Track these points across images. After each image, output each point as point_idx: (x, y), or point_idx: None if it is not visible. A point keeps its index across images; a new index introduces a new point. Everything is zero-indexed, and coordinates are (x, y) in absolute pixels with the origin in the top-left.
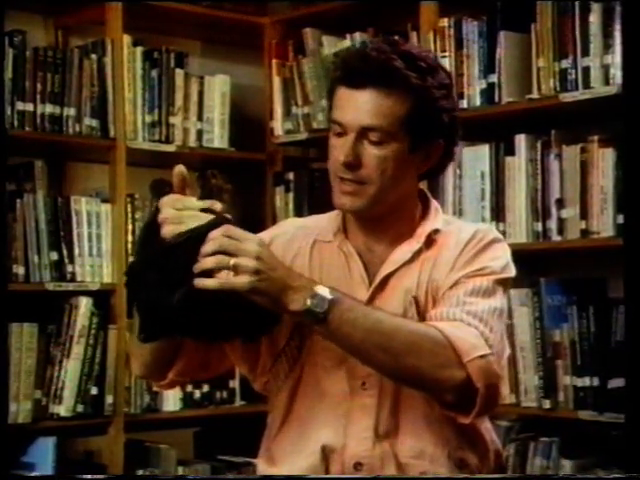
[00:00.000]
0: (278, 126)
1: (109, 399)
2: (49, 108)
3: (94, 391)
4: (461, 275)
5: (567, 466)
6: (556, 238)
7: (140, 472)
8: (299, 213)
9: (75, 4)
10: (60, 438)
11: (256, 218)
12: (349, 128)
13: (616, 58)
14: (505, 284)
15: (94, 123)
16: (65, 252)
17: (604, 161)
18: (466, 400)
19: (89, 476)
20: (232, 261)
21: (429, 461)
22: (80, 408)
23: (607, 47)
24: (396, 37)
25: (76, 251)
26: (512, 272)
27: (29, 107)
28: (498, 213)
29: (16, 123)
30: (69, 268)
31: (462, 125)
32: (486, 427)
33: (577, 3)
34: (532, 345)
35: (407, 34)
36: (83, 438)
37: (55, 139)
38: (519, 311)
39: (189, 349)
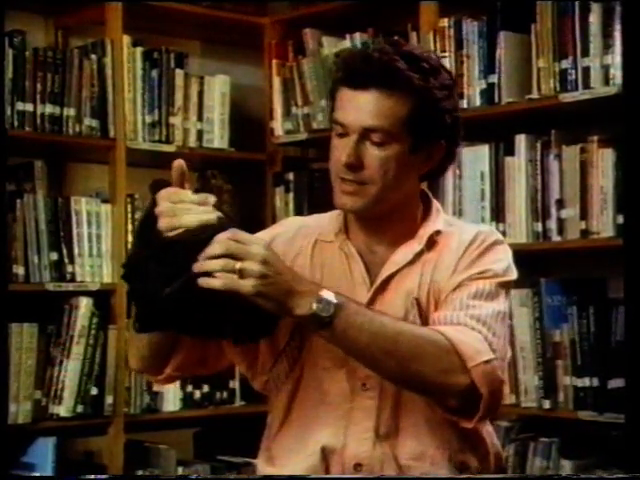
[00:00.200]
0: (278, 126)
1: (109, 399)
2: (49, 108)
3: (94, 391)
4: (463, 278)
5: (567, 466)
6: (556, 238)
7: (140, 472)
8: (299, 213)
9: (75, 4)
10: (60, 438)
11: (256, 218)
12: (351, 129)
13: (616, 58)
14: (507, 287)
15: (94, 123)
16: (65, 252)
17: (604, 161)
18: (469, 405)
19: (89, 476)
20: (238, 265)
21: (429, 463)
22: (80, 408)
23: (607, 47)
24: (397, 38)
25: (76, 251)
26: (514, 275)
27: (29, 107)
28: (498, 213)
29: (16, 123)
30: (69, 268)
31: (463, 125)
32: (487, 430)
33: (577, 3)
34: (532, 345)
35: (407, 34)
36: (83, 438)
37: (55, 139)
38: (519, 311)
39: (186, 345)
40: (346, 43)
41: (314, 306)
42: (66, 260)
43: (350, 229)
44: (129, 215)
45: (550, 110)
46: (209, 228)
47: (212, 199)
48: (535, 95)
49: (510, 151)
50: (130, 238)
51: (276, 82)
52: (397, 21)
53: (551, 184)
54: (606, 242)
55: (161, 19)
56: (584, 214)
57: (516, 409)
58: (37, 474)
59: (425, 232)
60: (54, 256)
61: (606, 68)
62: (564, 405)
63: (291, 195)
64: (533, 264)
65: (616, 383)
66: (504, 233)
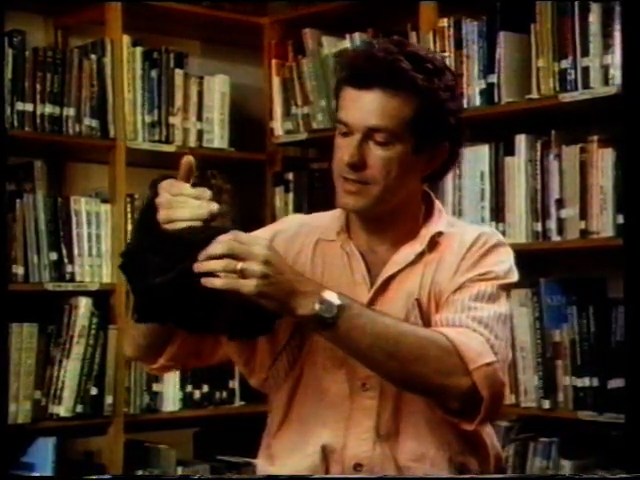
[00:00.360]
0: (278, 126)
1: (109, 399)
2: (49, 108)
3: (94, 391)
4: (465, 279)
5: (567, 466)
6: (556, 238)
7: (140, 472)
8: (299, 213)
9: (75, 4)
10: (60, 438)
11: (256, 218)
12: (354, 128)
13: (616, 58)
14: (508, 289)
15: (94, 123)
16: (65, 252)
17: (604, 161)
18: (470, 407)
19: (89, 477)
20: (239, 265)
21: (429, 465)
22: (80, 408)
23: (607, 47)
24: (402, 38)
25: (76, 251)
26: (515, 277)
27: (29, 107)
28: (498, 213)
29: (16, 123)
30: (69, 268)
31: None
32: (487, 432)
33: (577, 3)
34: (532, 345)
35: (407, 34)
36: (83, 438)
37: (55, 139)
38: (519, 311)
39: (181, 336)
40: (346, 43)
41: (317, 307)
42: (66, 260)
43: (352, 228)
44: (129, 215)
45: (550, 110)
46: (209, 229)
47: (208, 193)
48: (535, 95)
49: (510, 151)
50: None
51: (276, 82)
52: (397, 21)
53: (551, 184)
54: (606, 242)
55: (161, 19)
56: (584, 214)
57: (516, 409)
58: (37, 474)
59: (427, 233)
60: (54, 256)
61: (606, 68)
62: (564, 405)
63: (291, 195)
64: (533, 264)
65: (616, 383)
66: (504, 233)
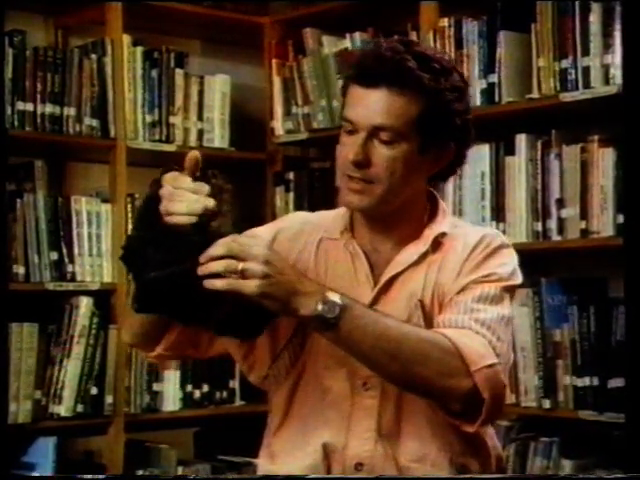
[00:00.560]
0: (278, 126)
1: (109, 399)
2: (49, 108)
3: (94, 391)
4: (468, 281)
5: (567, 466)
6: (556, 238)
7: (140, 472)
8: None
9: (75, 4)
10: (60, 438)
11: (256, 218)
12: (360, 126)
13: (616, 58)
14: (512, 291)
15: (94, 123)
16: (65, 252)
17: (604, 161)
18: (472, 409)
19: (89, 476)
20: (240, 265)
21: (430, 466)
22: (80, 408)
23: (607, 47)
24: (410, 38)
25: (76, 251)
26: (519, 279)
27: (29, 107)
28: (498, 213)
29: (16, 123)
30: (69, 268)
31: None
32: (488, 433)
33: (577, 3)
34: (532, 345)
35: (407, 34)
36: (83, 438)
37: (55, 139)
38: (519, 311)
39: (179, 327)
40: (346, 43)
41: (319, 307)
42: (66, 260)
43: (356, 228)
44: (129, 215)
45: (550, 110)
46: (210, 231)
47: (206, 188)
48: (535, 95)
49: (510, 151)
50: None
51: (276, 82)
52: (397, 21)
53: (551, 184)
54: (606, 242)
55: (161, 19)
56: (584, 214)
57: (516, 409)
58: (37, 474)
59: (431, 233)
60: (54, 256)
61: (606, 68)
62: (564, 405)
63: (291, 195)
64: (533, 264)
65: (616, 383)
66: (504, 233)
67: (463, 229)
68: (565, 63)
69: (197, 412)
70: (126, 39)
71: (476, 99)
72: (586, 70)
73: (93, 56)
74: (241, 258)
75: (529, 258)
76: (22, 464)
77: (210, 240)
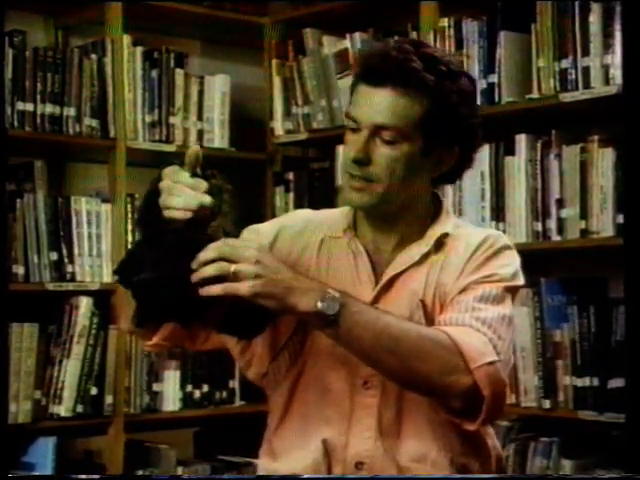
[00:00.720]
0: (278, 126)
1: (109, 399)
2: (49, 108)
3: (94, 391)
4: (470, 281)
5: (567, 466)
6: (556, 238)
7: (140, 472)
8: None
9: (75, 4)
10: (60, 438)
11: (256, 218)
12: (363, 125)
13: (616, 58)
14: (513, 292)
15: (94, 123)
16: (65, 252)
17: (604, 161)
18: (472, 406)
19: (84, 476)
20: (233, 268)
21: (431, 466)
22: (80, 408)
23: (607, 47)
24: (420, 39)
25: (76, 251)
26: (521, 281)
27: (29, 107)
28: (498, 213)
29: (16, 123)
30: (69, 268)
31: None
32: (489, 433)
33: (577, 3)
34: (532, 345)
35: (407, 34)
36: (83, 438)
37: (55, 139)
38: (519, 311)
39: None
40: (346, 43)
41: (319, 304)
42: (66, 260)
43: (359, 226)
44: (129, 215)
45: (550, 110)
46: (204, 234)
47: (204, 185)
48: (535, 95)
49: (510, 151)
50: (130, 238)
51: (276, 82)
52: (397, 21)
53: (551, 184)
54: (606, 242)
55: (161, 19)
56: (584, 214)
57: (516, 409)
58: (37, 474)
59: (433, 234)
60: (54, 256)
61: (606, 68)
62: (564, 405)
63: (291, 195)
64: (533, 264)
65: (616, 383)
66: (504, 233)
67: (466, 230)
68: (565, 63)
69: (197, 412)
70: (126, 39)
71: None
72: (586, 70)
73: (93, 56)
74: (233, 260)
75: (529, 258)
76: (22, 464)
77: (207, 239)
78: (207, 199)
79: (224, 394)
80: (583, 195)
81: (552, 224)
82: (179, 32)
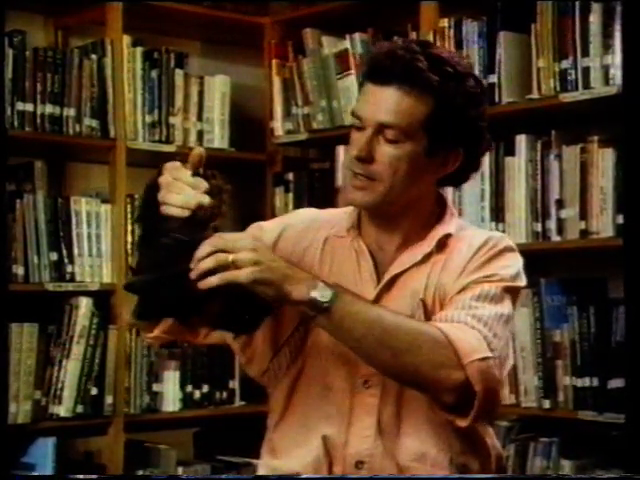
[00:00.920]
0: (278, 126)
1: (109, 399)
2: (49, 108)
3: (94, 391)
4: (470, 280)
5: (567, 466)
6: (556, 238)
7: (140, 472)
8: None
9: (75, 4)
10: (60, 438)
11: (256, 218)
12: (367, 123)
13: (616, 58)
14: (514, 293)
15: (94, 123)
16: (65, 252)
17: (604, 161)
18: (464, 402)
19: (81, 476)
20: (231, 257)
21: (430, 465)
22: (80, 408)
23: (607, 47)
24: (429, 40)
25: (76, 251)
26: (522, 282)
27: (29, 107)
28: (498, 213)
29: (16, 123)
30: (69, 268)
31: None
32: (488, 432)
33: (577, 3)
34: (532, 345)
35: (407, 34)
36: (83, 438)
37: (55, 139)
38: (519, 311)
39: None
40: (346, 43)
41: (312, 292)
42: (66, 260)
43: (363, 226)
44: (129, 215)
45: (550, 110)
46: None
47: (204, 185)
48: (535, 95)
49: (510, 151)
50: (130, 238)
51: (276, 82)
52: (397, 21)
53: (551, 184)
54: (606, 242)
55: (161, 19)
56: (584, 214)
57: (516, 409)
58: (37, 474)
59: (436, 234)
60: (54, 256)
61: (606, 68)
62: (564, 405)
63: (291, 195)
64: (533, 264)
65: (616, 383)
66: (504, 233)
67: (469, 231)
68: (565, 63)
69: (197, 412)
70: (126, 39)
71: None
72: (586, 70)
73: (93, 56)
74: (229, 251)
75: (529, 258)
76: (22, 464)
77: (205, 240)
78: (206, 199)
79: (224, 394)
80: (583, 195)
81: (552, 224)
82: (179, 32)
